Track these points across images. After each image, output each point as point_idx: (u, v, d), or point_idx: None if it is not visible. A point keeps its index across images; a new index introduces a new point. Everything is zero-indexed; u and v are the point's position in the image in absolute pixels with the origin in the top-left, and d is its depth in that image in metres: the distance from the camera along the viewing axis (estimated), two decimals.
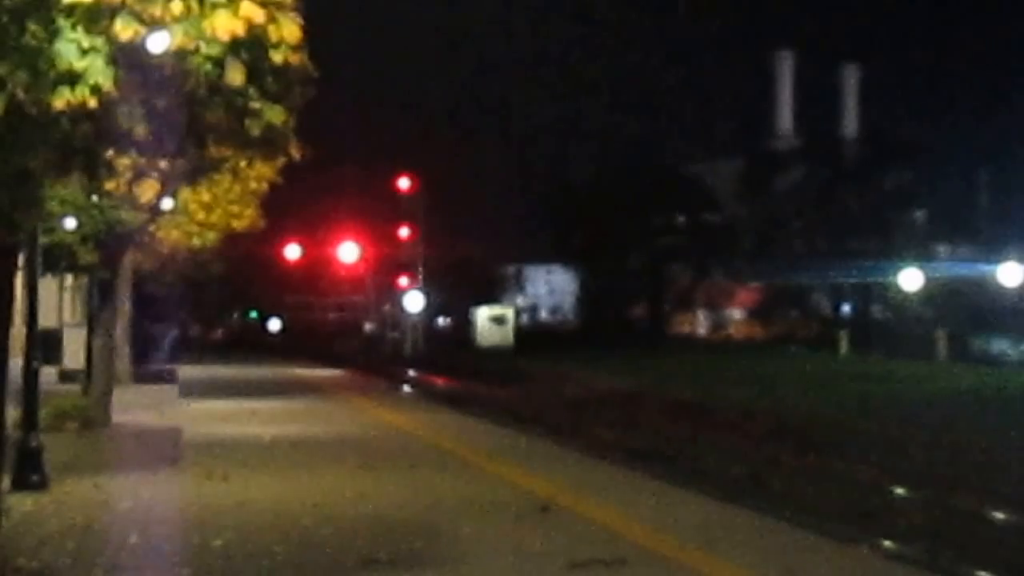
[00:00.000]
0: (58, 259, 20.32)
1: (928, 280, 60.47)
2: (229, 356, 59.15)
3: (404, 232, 75.47)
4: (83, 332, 25.09)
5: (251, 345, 76.15)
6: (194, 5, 6.54)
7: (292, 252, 62.26)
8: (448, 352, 70.27)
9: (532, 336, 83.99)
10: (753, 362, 51.40)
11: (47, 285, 24.28)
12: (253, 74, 7.06)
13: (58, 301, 31.13)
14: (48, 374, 22.66)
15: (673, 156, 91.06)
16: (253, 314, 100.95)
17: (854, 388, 35.67)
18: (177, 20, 6.57)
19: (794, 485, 18.20)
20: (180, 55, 6.84)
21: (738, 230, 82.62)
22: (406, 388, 41.38)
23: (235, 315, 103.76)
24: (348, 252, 62.03)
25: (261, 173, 25.71)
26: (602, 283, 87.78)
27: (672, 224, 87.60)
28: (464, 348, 77.08)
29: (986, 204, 71.98)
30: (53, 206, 16.10)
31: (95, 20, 6.59)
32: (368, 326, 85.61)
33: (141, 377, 35.31)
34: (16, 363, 14.05)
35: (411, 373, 51.76)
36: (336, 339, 77.96)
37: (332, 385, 37.28)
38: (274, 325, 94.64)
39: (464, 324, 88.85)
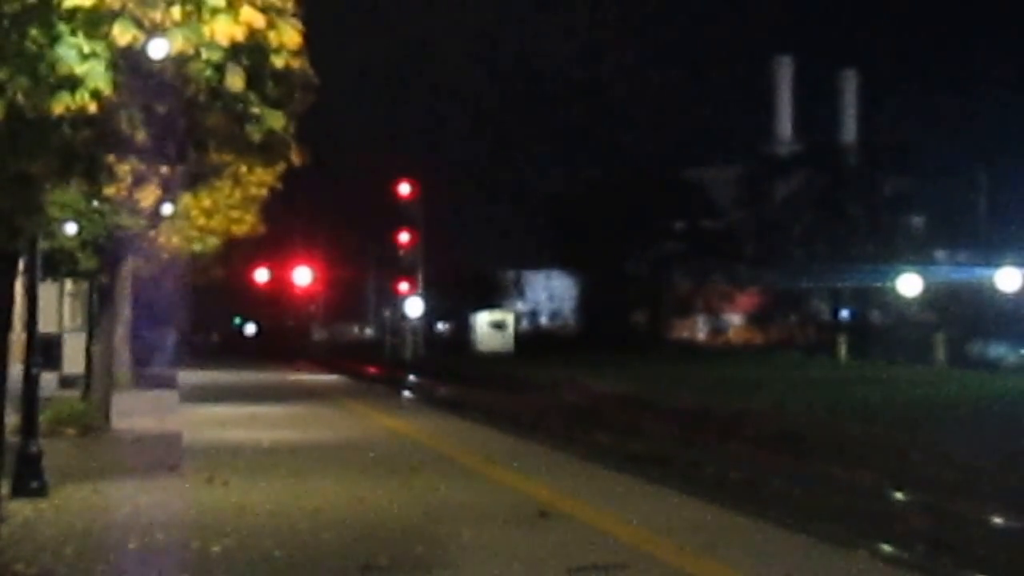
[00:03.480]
0: (58, 264, 20.32)
1: (927, 285, 60.54)
2: (227, 360, 59.18)
3: (404, 237, 75.70)
4: (83, 337, 25.09)
5: (238, 347, 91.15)
6: (194, 10, 6.55)
7: (261, 276, 75.86)
8: (448, 357, 70.35)
9: (532, 341, 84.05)
10: (752, 367, 51.40)
11: (47, 290, 24.32)
12: (253, 79, 7.07)
13: (58, 306, 31.17)
14: (48, 379, 22.65)
15: (673, 161, 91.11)
16: (237, 320, 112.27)
17: (853, 393, 35.65)
18: (177, 25, 6.58)
19: (793, 489, 18.21)
20: (180, 60, 6.86)
21: (738, 235, 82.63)
22: (406, 393, 41.41)
23: (232, 320, 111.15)
24: (302, 276, 74.67)
25: (262, 179, 25.74)
26: (602, 288, 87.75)
27: (672, 229, 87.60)
28: (464, 353, 77.14)
29: (984, 210, 72.02)
30: (53, 211, 16.12)
31: (95, 25, 6.60)
32: (319, 330, 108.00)
33: (141, 382, 35.34)
34: (16, 368, 14.10)
35: (411, 378, 51.84)
36: (293, 339, 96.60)
37: (331, 390, 37.29)
38: (250, 329, 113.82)
39: (464, 329, 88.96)
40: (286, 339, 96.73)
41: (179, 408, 27.91)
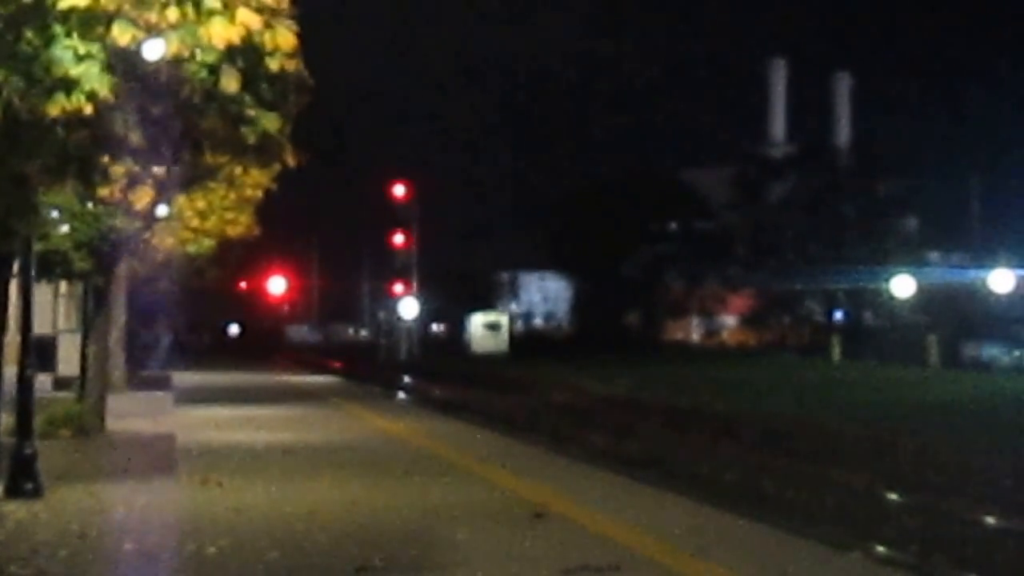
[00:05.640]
0: (52, 266, 20.28)
1: (920, 287, 60.62)
2: (220, 362, 59.13)
3: (399, 239, 75.78)
4: (78, 339, 25.07)
5: (227, 347, 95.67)
6: (190, 12, 6.55)
7: (242, 284, 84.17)
8: (442, 358, 70.39)
9: (526, 342, 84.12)
10: (746, 368, 51.43)
11: (41, 292, 24.30)
12: (248, 81, 7.08)
13: (52, 308, 31.16)
14: (42, 381, 22.61)
15: (667, 163, 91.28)
16: (225, 321, 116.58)
17: (846, 394, 35.70)
18: (173, 27, 6.58)
19: (787, 491, 18.24)
20: (176, 62, 6.87)
21: (731, 237, 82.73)
22: (400, 395, 41.41)
23: (223, 323, 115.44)
24: (276, 285, 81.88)
25: (256, 180, 25.71)
26: (596, 290, 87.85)
27: (666, 231, 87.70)
28: (458, 354, 77.16)
29: (977, 211, 72.17)
30: (47, 213, 16.09)
31: (91, 26, 6.60)
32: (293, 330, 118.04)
33: (136, 384, 35.29)
34: (10, 370, 14.10)
35: (406, 380, 51.84)
36: (268, 338, 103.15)
37: (326, 392, 37.28)
38: (233, 330, 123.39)
39: (458, 330, 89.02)
40: (263, 339, 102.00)
41: (173, 410, 27.88)
